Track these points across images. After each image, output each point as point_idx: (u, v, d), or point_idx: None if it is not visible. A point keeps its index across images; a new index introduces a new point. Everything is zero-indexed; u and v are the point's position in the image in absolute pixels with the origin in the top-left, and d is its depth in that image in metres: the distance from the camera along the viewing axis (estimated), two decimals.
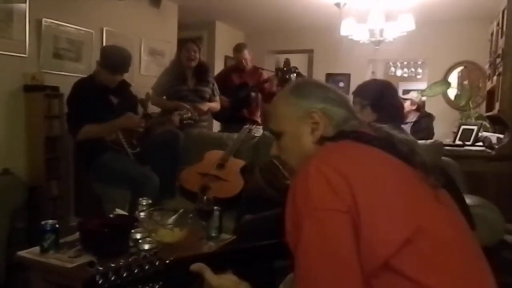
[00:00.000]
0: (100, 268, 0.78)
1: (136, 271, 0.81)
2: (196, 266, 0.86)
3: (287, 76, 3.69)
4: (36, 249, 1.61)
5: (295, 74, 3.90)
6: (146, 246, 1.46)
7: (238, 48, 3.95)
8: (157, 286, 0.83)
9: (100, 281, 0.78)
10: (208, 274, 0.85)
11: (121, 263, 0.81)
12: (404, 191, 0.83)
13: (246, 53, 3.91)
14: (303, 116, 0.99)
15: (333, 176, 0.78)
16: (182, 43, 3.48)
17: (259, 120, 3.94)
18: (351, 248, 0.74)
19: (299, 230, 0.77)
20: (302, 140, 0.99)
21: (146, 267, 0.83)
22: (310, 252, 0.76)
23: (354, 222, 0.75)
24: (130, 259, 0.83)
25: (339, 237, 0.75)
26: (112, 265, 0.80)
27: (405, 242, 0.75)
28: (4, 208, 2.57)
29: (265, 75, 4.03)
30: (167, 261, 0.86)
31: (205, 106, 3.38)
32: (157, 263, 0.84)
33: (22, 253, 1.62)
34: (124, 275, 0.80)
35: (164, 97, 3.38)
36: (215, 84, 3.54)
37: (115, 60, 2.66)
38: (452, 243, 0.80)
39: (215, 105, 3.51)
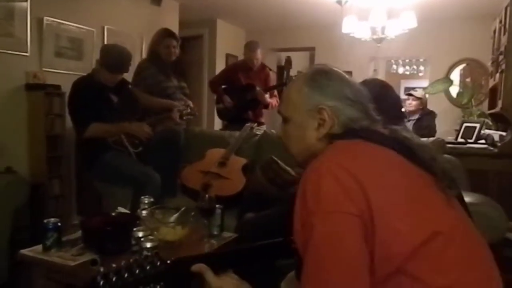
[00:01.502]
0: (102, 269, 0.78)
1: (137, 271, 0.81)
2: (197, 267, 0.86)
3: None
4: (39, 247, 1.62)
5: None
6: (148, 244, 1.46)
7: (252, 47, 3.78)
8: (158, 287, 0.83)
9: (101, 282, 0.78)
10: (209, 275, 0.85)
11: (122, 264, 0.81)
12: (418, 195, 0.83)
13: (259, 53, 3.79)
14: (312, 109, 0.96)
15: (346, 179, 0.78)
16: (158, 37, 3.12)
17: (263, 121, 3.92)
18: (361, 251, 0.74)
19: (309, 231, 0.77)
20: (307, 133, 0.98)
21: (148, 268, 0.82)
22: (320, 253, 0.76)
23: (366, 226, 0.75)
24: (131, 260, 0.83)
25: (350, 240, 0.75)
26: (113, 265, 0.80)
27: (421, 245, 0.75)
28: (6, 207, 2.58)
29: (272, 75, 4.00)
30: (168, 262, 0.86)
31: (191, 103, 3.19)
32: (158, 264, 0.84)
33: (25, 251, 1.62)
34: (125, 275, 0.80)
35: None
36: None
37: (115, 59, 2.66)
38: (464, 245, 0.81)
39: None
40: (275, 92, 4.01)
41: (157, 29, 3.23)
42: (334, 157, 0.86)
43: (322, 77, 0.99)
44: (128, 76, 2.96)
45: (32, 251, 1.61)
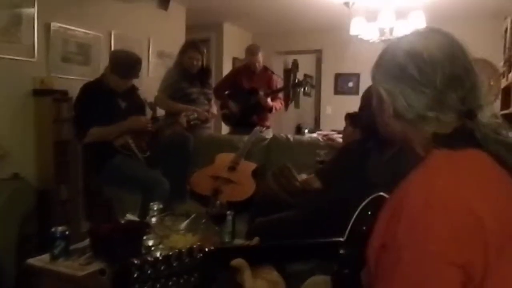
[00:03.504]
0: (136, 262, 0.73)
1: (174, 264, 0.76)
2: (237, 262, 0.78)
3: (298, 90, 3.65)
4: (46, 256, 1.59)
5: (305, 88, 3.89)
6: (159, 254, 1.41)
7: (252, 51, 3.82)
8: (192, 278, 0.78)
9: (136, 275, 0.73)
10: (247, 274, 0.77)
11: (159, 256, 0.76)
12: None
13: (260, 56, 3.81)
14: (395, 77, 0.79)
15: (463, 219, 0.63)
16: (183, 48, 3.39)
17: (269, 124, 3.89)
18: None
19: (391, 260, 0.65)
20: (383, 110, 0.82)
21: (186, 260, 0.77)
22: None
23: (470, 277, 0.62)
24: (170, 253, 0.78)
25: None
26: (150, 259, 0.75)
27: None
28: (13, 213, 2.56)
29: (275, 78, 3.97)
30: (207, 250, 0.80)
31: (215, 109, 3.42)
32: (198, 256, 0.78)
33: (32, 260, 1.59)
34: (162, 268, 0.75)
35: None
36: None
37: (125, 65, 2.65)
38: None
39: (214, 110, 3.52)
40: (280, 95, 4.00)
41: (164, 33, 3.26)
42: (447, 181, 0.67)
43: (385, 52, 0.85)
44: (137, 81, 2.94)
45: (40, 261, 1.58)
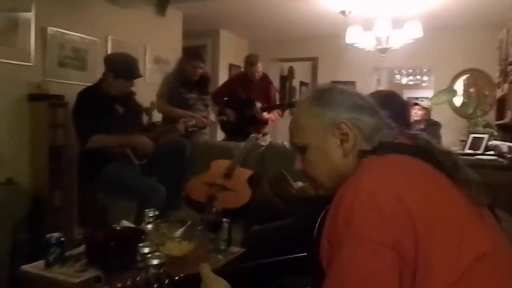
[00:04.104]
0: None
1: None
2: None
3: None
4: (41, 263, 1.56)
5: None
6: (155, 261, 1.39)
7: (252, 61, 3.78)
8: None
9: None
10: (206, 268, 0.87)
11: (128, 284, 0.76)
12: (457, 213, 0.75)
13: (260, 66, 3.79)
14: (329, 127, 0.90)
15: (388, 202, 0.70)
16: (187, 54, 3.42)
17: (267, 131, 3.89)
18: (387, 286, 0.68)
19: (335, 252, 0.73)
20: (330, 154, 0.90)
21: (155, 286, 0.78)
22: (343, 280, 0.71)
23: (403, 257, 0.68)
24: (137, 278, 0.79)
25: (380, 276, 0.68)
26: (119, 285, 0.76)
27: (467, 270, 0.68)
28: (7, 219, 2.53)
29: (272, 89, 3.98)
30: (176, 278, 0.82)
31: (212, 116, 3.44)
32: (166, 282, 0.79)
33: (26, 267, 1.57)
34: None
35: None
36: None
37: (127, 66, 2.66)
38: (502, 262, 0.74)
39: (212, 117, 3.52)
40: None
41: (161, 39, 3.26)
42: (374, 176, 0.78)
43: (327, 94, 0.94)
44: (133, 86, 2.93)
45: (34, 267, 1.56)
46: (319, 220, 1.05)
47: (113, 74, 2.63)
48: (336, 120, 0.89)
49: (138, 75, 2.74)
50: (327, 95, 0.94)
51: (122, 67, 2.63)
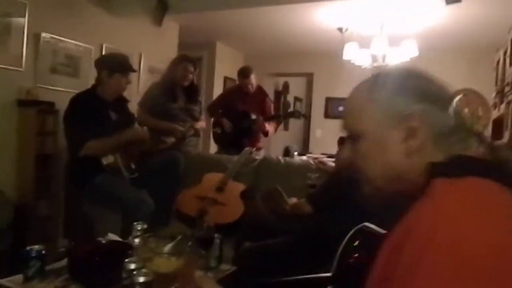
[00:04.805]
0: None
1: None
2: None
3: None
4: (19, 277, 1.47)
5: (298, 118, 3.97)
6: (141, 279, 1.32)
7: (245, 73, 3.75)
8: None
9: None
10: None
11: None
12: None
13: (253, 78, 3.76)
14: (393, 117, 0.72)
15: (484, 258, 0.53)
16: (178, 60, 3.32)
17: (261, 145, 3.84)
18: None
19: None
20: (388, 149, 0.72)
21: None
22: None
23: None
24: None
25: None
26: None
27: None
28: None
29: (268, 101, 3.95)
30: None
31: (199, 125, 3.33)
32: None
33: (3, 281, 1.47)
34: None
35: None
36: (202, 104, 3.51)
37: (120, 60, 2.64)
38: None
39: (203, 124, 3.46)
40: None
41: (156, 49, 3.26)
42: (457, 213, 0.57)
43: (401, 76, 0.78)
44: (127, 93, 2.86)
45: (11, 281, 1.46)
46: (346, 239, 0.97)
47: (108, 71, 2.56)
48: (405, 111, 0.71)
49: (132, 69, 2.70)
50: (401, 78, 0.78)
51: (116, 62, 2.60)
